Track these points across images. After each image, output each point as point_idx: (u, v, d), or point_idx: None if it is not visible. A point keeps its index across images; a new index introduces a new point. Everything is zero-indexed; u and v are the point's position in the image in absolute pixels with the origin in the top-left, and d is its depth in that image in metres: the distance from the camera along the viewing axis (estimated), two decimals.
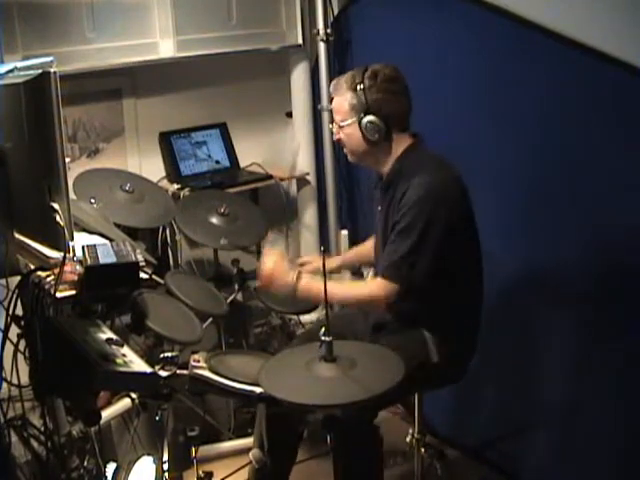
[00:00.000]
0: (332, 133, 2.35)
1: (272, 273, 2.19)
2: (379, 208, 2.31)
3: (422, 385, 2.36)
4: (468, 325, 2.29)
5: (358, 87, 2.17)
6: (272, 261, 2.21)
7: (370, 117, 2.17)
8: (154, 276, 2.30)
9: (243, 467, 2.64)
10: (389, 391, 1.69)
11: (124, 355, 1.81)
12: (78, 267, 1.81)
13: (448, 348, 2.21)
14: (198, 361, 2.10)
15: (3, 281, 1.92)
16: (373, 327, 2.34)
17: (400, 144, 2.22)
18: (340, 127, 2.25)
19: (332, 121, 2.30)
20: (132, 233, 2.58)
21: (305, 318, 3.23)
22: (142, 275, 1.95)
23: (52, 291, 1.78)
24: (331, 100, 2.31)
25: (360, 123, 2.18)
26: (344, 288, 2.29)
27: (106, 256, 1.84)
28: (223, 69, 3.37)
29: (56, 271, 1.77)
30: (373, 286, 2.18)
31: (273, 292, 2.28)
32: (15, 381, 1.96)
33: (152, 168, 3.23)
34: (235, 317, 3.06)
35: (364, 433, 2.20)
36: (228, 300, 2.85)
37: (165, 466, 2.32)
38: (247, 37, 3.26)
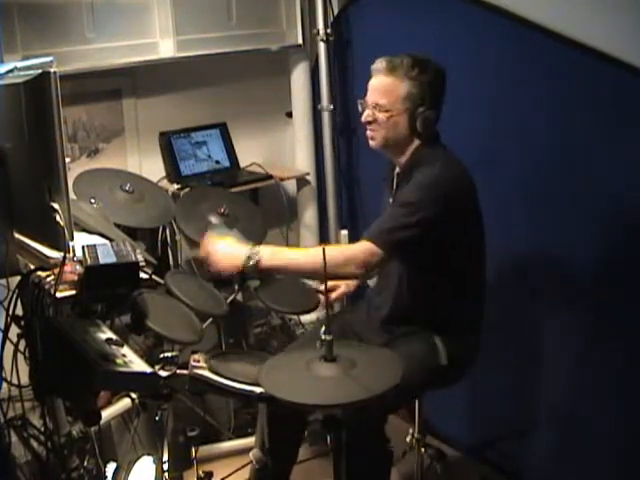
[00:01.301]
0: (360, 115, 2.21)
1: (224, 248, 2.12)
2: (390, 200, 2.29)
3: (428, 387, 2.37)
4: (474, 325, 2.29)
5: (423, 77, 2.12)
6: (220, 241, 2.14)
7: (430, 111, 2.13)
8: (154, 276, 2.30)
9: (243, 467, 2.64)
10: (389, 391, 1.68)
11: (124, 355, 1.81)
12: (78, 267, 1.81)
13: (455, 349, 2.21)
14: (198, 361, 2.10)
15: (3, 281, 1.92)
16: (383, 323, 2.34)
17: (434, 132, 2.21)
18: (383, 110, 2.14)
19: (363, 100, 2.20)
20: (132, 233, 2.57)
21: (305, 318, 3.23)
22: (142, 275, 1.95)
23: (52, 291, 1.78)
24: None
25: (413, 114, 2.13)
26: (315, 252, 2.09)
27: (106, 256, 1.84)
28: (223, 69, 3.37)
29: (56, 271, 1.77)
30: (357, 247, 2.09)
31: (218, 264, 2.13)
32: (15, 381, 1.96)
33: (152, 168, 3.23)
34: (235, 317, 3.06)
35: (372, 436, 2.20)
36: (228, 300, 2.84)
37: (165, 466, 2.32)
38: (247, 37, 3.26)
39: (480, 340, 2.31)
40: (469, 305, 2.25)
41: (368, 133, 2.22)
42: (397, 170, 2.26)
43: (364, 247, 2.07)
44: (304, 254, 2.14)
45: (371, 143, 2.24)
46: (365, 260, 2.06)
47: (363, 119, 2.21)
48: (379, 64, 2.18)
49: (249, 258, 2.07)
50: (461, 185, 2.15)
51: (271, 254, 2.10)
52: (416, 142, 2.19)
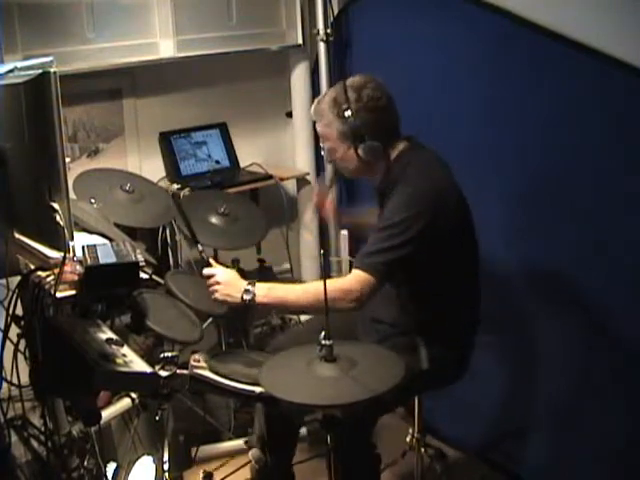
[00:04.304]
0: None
1: (225, 278, 2.11)
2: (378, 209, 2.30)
3: (420, 391, 2.37)
4: (463, 329, 2.28)
5: (345, 113, 2.08)
6: (223, 270, 2.15)
7: (365, 142, 2.10)
8: (154, 276, 2.30)
9: (243, 467, 2.64)
10: (389, 391, 1.68)
11: (124, 355, 1.82)
12: (78, 267, 1.81)
13: (440, 353, 2.19)
14: (198, 361, 2.10)
15: (3, 281, 1.92)
16: (371, 321, 2.34)
17: (393, 152, 2.18)
18: (333, 151, 2.18)
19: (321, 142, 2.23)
20: (132, 233, 2.57)
21: (305, 318, 3.23)
22: (142, 275, 1.95)
23: (52, 291, 1.78)
24: (314, 123, 2.24)
25: (355, 148, 2.12)
26: (312, 287, 2.08)
27: (106, 256, 1.84)
28: (223, 69, 3.37)
29: (56, 271, 1.77)
30: (351, 279, 2.06)
31: (222, 299, 2.11)
32: (15, 381, 1.97)
33: (152, 168, 3.23)
34: (235, 317, 3.06)
35: (359, 440, 2.20)
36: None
37: (165, 466, 2.32)
38: (247, 37, 3.26)
39: (472, 343, 2.30)
40: (456, 311, 2.23)
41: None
42: (378, 185, 2.24)
43: (357, 278, 2.04)
44: (299, 291, 2.11)
45: (346, 175, 2.29)
46: (360, 290, 2.03)
47: (325, 160, 2.30)
48: (311, 110, 2.22)
49: (245, 294, 2.06)
50: (443, 199, 2.11)
51: (266, 292, 2.08)
52: (382, 163, 2.17)
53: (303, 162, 3.55)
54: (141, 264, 1.87)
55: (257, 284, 2.09)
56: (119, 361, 1.77)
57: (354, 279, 2.05)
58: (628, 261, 2.35)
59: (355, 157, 2.14)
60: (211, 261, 2.23)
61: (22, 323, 1.95)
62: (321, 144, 2.26)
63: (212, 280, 2.11)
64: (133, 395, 2.31)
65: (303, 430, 2.82)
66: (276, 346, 2.39)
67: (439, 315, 2.21)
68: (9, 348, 1.96)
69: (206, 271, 2.15)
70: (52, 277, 1.82)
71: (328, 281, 1.88)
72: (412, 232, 2.03)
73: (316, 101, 2.21)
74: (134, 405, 2.31)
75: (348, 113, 2.09)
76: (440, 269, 2.14)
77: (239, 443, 2.92)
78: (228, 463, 2.81)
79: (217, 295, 2.10)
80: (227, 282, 2.10)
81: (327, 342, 1.76)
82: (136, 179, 2.89)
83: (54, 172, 1.68)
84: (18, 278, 1.93)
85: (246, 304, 2.06)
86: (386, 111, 2.14)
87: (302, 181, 3.57)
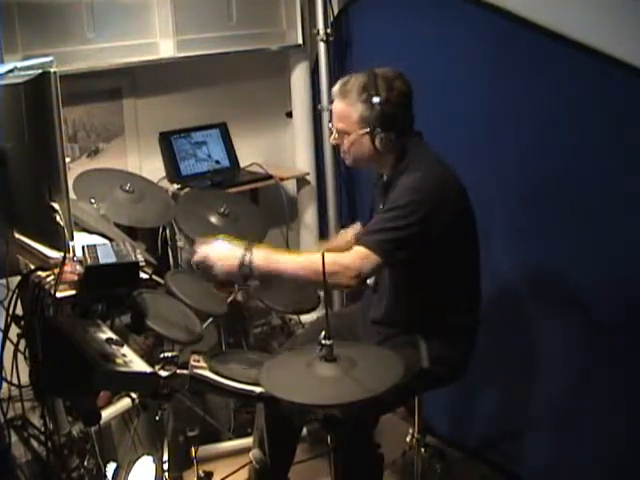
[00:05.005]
0: (330, 133, 2.25)
1: (216, 253, 2.03)
2: (380, 207, 2.30)
3: (421, 390, 2.36)
4: (464, 326, 2.27)
5: (373, 100, 2.09)
6: (210, 246, 2.07)
7: (385, 132, 2.10)
8: (154, 276, 2.30)
9: (243, 467, 2.64)
10: (389, 391, 1.68)
11: (124, 355, 1.81)
12: (78, 267, 1.81)
13: (440, 353, 2.19)
14: (198, 361, 2.10)
15: (3, 281, 1.92)
16: (372, 323, 2.34)
17: (404, 147, 2.19)
18: (344, 134, 2.17)
19: (330, 123, 2.23)
20: (132, 233, 2.58)
21: (305, 318, 3.23)
22: (142, 275, 1.95)
23: (52, 291, 1.78)
24: (331, 102, 2.23)
25: (372, 135, 2.12)
26: (311, 260, 2.03)
27: (106, 256, 1.84)
28: (223, 69, 3.37)
29: (56, 271, 1.77)
30: (352, 255, 2.04)
31: (215, 267, 2.03)
32: (15, 381, 1.97)
33: (152, 168, 3.24)
34: (235, 317, 3.06)
35: (361, 440, 2.20)
36: (228, 300, 2.85)
37: (165, 466, 2.32)
38: (247, 37, 3.27)
39: (474, 342, 2.30)
40: (457, 309, 2.23)
41: (341, 153, 2.26)
42: (384, 178, 2.26)
43: (358, 254, 2.04)
44: (297, 261, 2.07)
45: (346, 162, 2.27)
46: (360, 266, 2.02)
47: (331, 142, 2.25)
48: (335, 87, 2.19)
49: (244, 258, 2.02)
50: (447, 189, 2.13)
51: (264, 258, 2.04)
52: (392, 156, 2.18)
53: (303, 162, 3.55)
54: (141, 264, 1.87)
55: (255, 249, 2.04)
56: (119, 361, 1.77)
57: (355, 255, 2.05)
58: (628, 261, 2.35)
59: (368, 144, 2.14)
60: (195, 247, 2.10)
61: (22, 323, 1.95)
62: (330, 125, 2.23)
63: (206, 264, 2.04)
64: (133, 395, 2.31)
65: (303, 430, 2.82)
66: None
67: (439, 312, 2.21)
68: (9, 348, 1.96)
69: (196, 259, 2.06)
70: (52, 277, 1.82)
71: (328, 254, 1.88)
72: (416, 216, 2.05)
73: (341, 82, 2.18)
74: (134, 405, 2.31)
75: (376, 100, 2.09)
76: (440, 260, 2.14)
77: (239, 443, 2.92)
78: (228, 463, 2.81)
79: (217, 273, 2.03)
80: (220, 255, 2.04)
81: (327, 342, 1.76)
82: (136, 179, 2.90)
83: (54, 172, 1.68)
84: (18, 278, 1.93)
85: (244, 265, 2.00)
86: (409, 107, 2.16)
87: (302, 181, 3.57)
